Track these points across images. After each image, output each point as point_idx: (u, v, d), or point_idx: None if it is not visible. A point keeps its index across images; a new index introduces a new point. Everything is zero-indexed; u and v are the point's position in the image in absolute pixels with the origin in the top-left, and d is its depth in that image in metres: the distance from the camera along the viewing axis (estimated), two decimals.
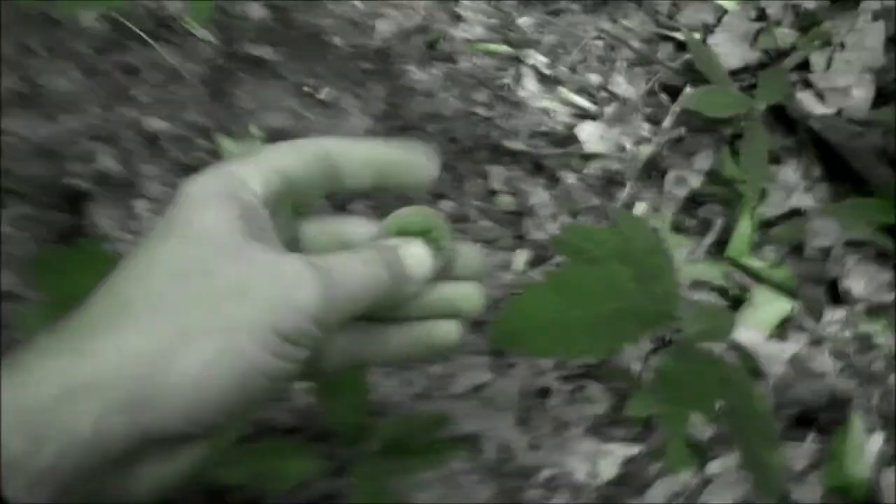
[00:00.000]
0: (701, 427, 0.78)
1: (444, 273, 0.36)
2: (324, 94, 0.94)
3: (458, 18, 0.99)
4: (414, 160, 0.36)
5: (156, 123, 0.89)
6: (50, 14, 0.85)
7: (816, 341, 0.87)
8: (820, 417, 0.82)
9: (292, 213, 0.35)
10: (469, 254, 0.37)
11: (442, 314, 0.36)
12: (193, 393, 0.27)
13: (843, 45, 0.94)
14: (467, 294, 0.36)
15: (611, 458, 0.78)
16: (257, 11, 0.96)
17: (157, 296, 0.28)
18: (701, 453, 0.78)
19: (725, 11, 0.98)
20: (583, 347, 0.53)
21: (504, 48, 0.97)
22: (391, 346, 0.35)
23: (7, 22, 0.86)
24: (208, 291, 0.29)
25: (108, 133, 0.86)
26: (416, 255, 0.35)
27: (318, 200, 0.35)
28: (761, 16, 0.97)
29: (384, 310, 0.34)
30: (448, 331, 0.36)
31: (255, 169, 0.32)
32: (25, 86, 0.86)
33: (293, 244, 0.35)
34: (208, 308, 0.28)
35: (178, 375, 0.27)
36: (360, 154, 0.35)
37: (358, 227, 0.37)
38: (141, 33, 0.89)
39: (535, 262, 0.84)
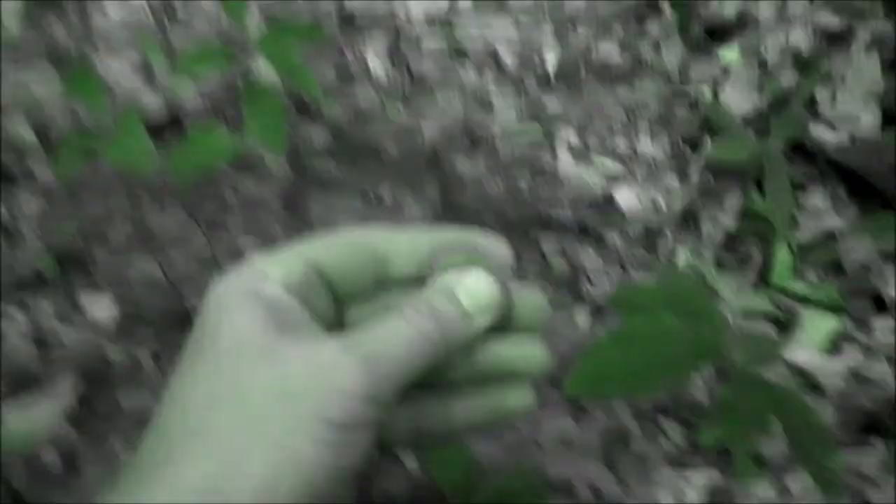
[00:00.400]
0: (773, 447, 0.84)
1: (507, 322, 0.33)
2: (384, 195, 1.07)
3: (491, 110, 1.11)
4: (483, 242, 0.34)
5: (246, 243, 1.02)
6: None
7: (869, 351, 0.94)
8: (885, 422, 0.88)
9: (336, 301, 0.33)
10: (531, 298, 0.34)
11: (509, 375, 0.33)
12: None
13: (843, 78, 1.03)
14: (531, 355, 0.33)
15: (694, 487, 0.85)
16: (320, 134, 1.11)
17: (200, 425, 0.28)
18: (775, 471, 0.84)
19: (731, 65, 1.08)
20: (648, 387, 0.62)
21: (536, 129, 1.09)
22: (461, 417, 0.33)
23: (117, 181, 1.02)
24: (249, 405, 0.28)
25: (210, 259, 1.00)
26: (473, 287, 0.32)
27: (365, 288, 0.33)
28: (763, 64, 1.07)
29: (448, 365, 0.32)
30: (519, 397, 0.33)
31: (278, 261, 0.31)
32: (139, 230, 1.01)
33: (338, 330, 0.33)
34: (252, 422, 0.28)
35: (239, 501, 0.26)
36: (407, 241, 0.33)
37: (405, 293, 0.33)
38: (225, 169, 1.04)
39: (594, 316, 0.93)
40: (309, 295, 0.31)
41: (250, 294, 0.30)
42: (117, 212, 1.02)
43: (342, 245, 0.33)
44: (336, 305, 0.33)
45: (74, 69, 0.88)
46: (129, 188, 1.00)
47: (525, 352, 0.34)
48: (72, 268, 0.96)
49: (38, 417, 0.78)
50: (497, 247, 0.34)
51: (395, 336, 0.30)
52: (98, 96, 0.88)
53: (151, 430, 0.29)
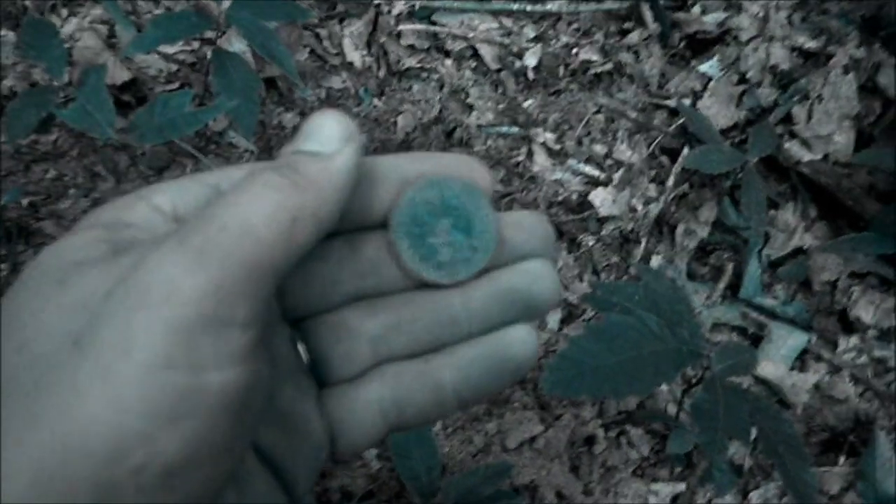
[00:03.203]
0: (740, 458, 0.83)
1: (497, 257, 0.28)
2: None
3: (469, 108, 1.09)
4: (454, 162, 0.29)
5: None
6: (112, 141, 0.95)
7: (835, 369, 0.93)
8: (848, 440, 0.88)
9: None
10: (527, 220, 0.28)
11: (507, 312, 0.27)
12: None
13: (820, 98, 1.04)
14: (534, 274, 0.27)
15: (659, 498, 0.83)
16: (288, 118, 1.07)
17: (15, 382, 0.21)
18: (743, 482, 0.83)
19: (710, 78, 1.08)
20: (627, 388, 0.59)
21: (514, 130, 1.07)
22: (450, 375, 0.27)
23: (78, 152, 0.96)
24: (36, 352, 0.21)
25: None
26: (317, 130, 0.26)
27: None
28: (742, 79, 1.07)
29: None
30: (521, 339, 0.27)
31: (170, 186, 0.26)
32: (93, 203, 0.95)
33: None
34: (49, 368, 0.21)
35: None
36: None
37: None
38: (192, 150, 0.99)
39: (566, 320, 0.91)
40: None
41: (93, 222, 0.24)
42: (70, 182, 0.96)
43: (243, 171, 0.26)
44: None
45: (33, 28, 0.82)
46: (84, 157, 0.95)
47: (523, 272, 0.28)
48: (21, 240, 0.90)
49: None
50: (474, 168, 0.28)
51: (241, 199, 0.23)
52: (58, 57, 0.83)
53: None
